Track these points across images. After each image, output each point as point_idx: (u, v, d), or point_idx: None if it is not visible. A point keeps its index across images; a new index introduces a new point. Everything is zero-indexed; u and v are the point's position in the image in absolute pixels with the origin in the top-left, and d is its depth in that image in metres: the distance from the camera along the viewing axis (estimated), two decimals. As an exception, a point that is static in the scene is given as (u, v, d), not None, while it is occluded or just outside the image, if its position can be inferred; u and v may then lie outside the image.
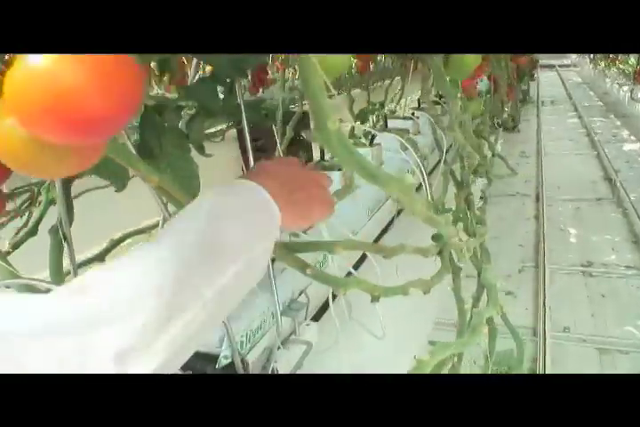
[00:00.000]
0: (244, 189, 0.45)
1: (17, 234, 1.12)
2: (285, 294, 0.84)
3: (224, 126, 2.84)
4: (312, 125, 0.43)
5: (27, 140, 0.28)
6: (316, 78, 0.39)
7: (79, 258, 1.12)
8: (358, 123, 2.02)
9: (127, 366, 0.31)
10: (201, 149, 0.75)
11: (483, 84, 2.60)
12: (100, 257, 1.10)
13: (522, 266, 2.82)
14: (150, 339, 0.33)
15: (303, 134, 2.63)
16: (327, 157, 1.64)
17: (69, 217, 0.71)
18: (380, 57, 3.78)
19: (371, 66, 3.68)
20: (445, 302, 1.33)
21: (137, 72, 0.27)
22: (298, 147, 2.14)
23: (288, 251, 0.62)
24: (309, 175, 0.52)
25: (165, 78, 0.66)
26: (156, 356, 0.33)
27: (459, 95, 1.16)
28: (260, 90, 3.04)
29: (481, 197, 1.96)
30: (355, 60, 2.81)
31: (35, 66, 0.25)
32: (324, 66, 0.60)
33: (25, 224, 1.15)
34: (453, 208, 1.30)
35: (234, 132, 3.14)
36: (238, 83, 0.71)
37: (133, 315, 0.33)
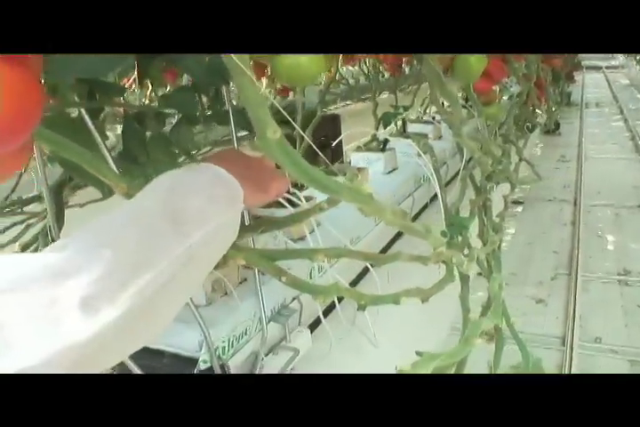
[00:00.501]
0: (202, 167, 0.48)
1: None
2: (276, 300, 0.84)
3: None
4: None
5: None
6: (251, 87, 0.39)
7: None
8: (381, 128, 2.00)
9: (94, 313, 0.33)
10: (189, 156, 0.76)
11: (515, 87, 2.54)
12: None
13: (555, 273, 2.74)
14: (116, 288, 0.35)
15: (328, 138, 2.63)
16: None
17: (59, 222, 0.73)
18: (413, 60, 3.74)
19: (406, 69, 3.66)
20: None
21: (32, 82, 0.27)
22: (323, 151, 2.14)
23: (262, 258, 0.62)
24: (256, 157, 0.55)
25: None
26: (122, 305, 0.35)
27: (461, 99, 1.13)
28: (291, 93, 3.05)
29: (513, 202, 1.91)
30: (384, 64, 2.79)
31: None
32: (295, 72, 0.60)
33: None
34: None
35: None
36: (226, 89, 0.72)
37: (98, 266, 0.35)
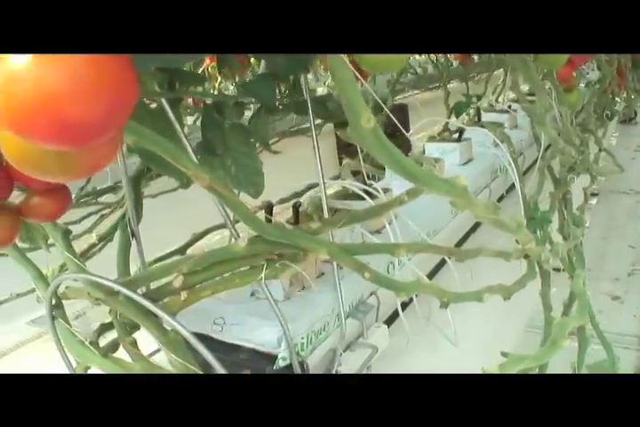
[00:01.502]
0: None
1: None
2: (354, 295, 0.81)
3: (319, 121, 2.86)
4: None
5: (29, 146, 0.28)
6: (345, 73, 0.37)
7: (161, 253, 1.16)
8: (453, 117, 1.94)
9: None
10: (266, 146, 0.74)
11: (594, 73, 2.41)
12: (182, 251, 1.13)
13: (632, 269, 2.59)
14: None
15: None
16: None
17: (138, 213, 0.73)
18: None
19: (475, 57, 3.54)
20: (539, 304, 1.25)
21: (129, 73, 0.26)
22: (392, 140, 2.09)
23: (344, 252, 0.60)
24: None
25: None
26: None
27: (551, 87, 1.07)
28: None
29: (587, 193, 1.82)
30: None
31: (16, 69, 0.24)
32: (373, 59, 0.57)
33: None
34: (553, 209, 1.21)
35: (331, 125, 3.16)
36: (304, 78, 0.70)
37: None
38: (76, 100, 0.24)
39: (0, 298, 1.64)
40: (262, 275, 0.62)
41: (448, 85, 2.25)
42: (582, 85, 2.13)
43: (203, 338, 0.79)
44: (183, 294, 0.63)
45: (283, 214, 0.94)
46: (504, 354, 0.72)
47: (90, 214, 1.68)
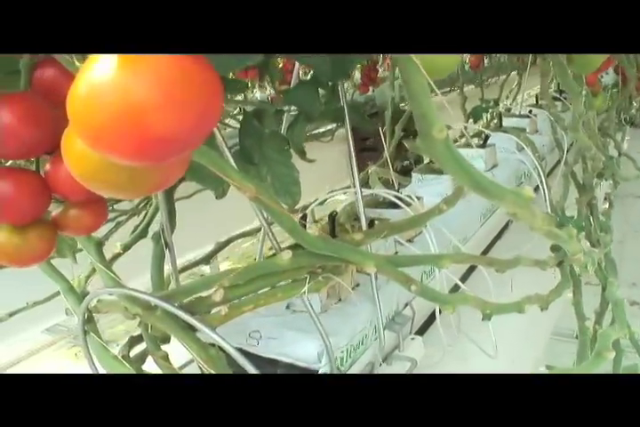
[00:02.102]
0: None
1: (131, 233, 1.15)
2: (390, 307, 0.79)
3: (333, 126, 2.84)
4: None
5: (98, 161, 0.26)
6: (418, 78, 0.35)
7: (185, 261, 1.15)
8: (471, 122, 1.92)
9: None
10: (302, 154, 0.73)
11: (608, 77, 2.39)
12: (206, 260, 1.11)
13: (650, 274, 2.57)
14: None
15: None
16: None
17: (171, 224, 0.71)
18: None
19: (485, 61, 3.52)
20: (565, 308, 1.23)
21: (215, 79, 0.24)
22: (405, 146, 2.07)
23: (391, 264, 0.58)
24: None
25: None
26: None
27: (583, 91, 1.05)
28: (370, 88, 3.00)
29: (605, 199, 1.79)
30: (467, 56, 2.69)
31: (98, 79, 0.22)
32: (429, 64, 0.55)
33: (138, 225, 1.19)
34: (575, 215, 1.19)
35: (344, 131, 3.13)
36: (341, 85, 0.68)
37: None
38: (164, 111, 0.22)
39: (15, 307, 1.62)
40: (305, 288, 0.60)
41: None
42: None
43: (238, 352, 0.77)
44: (224, 309, 0.61)
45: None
46: (549, 367, 0.70)
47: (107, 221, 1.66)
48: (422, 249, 0.86)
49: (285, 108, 0.65)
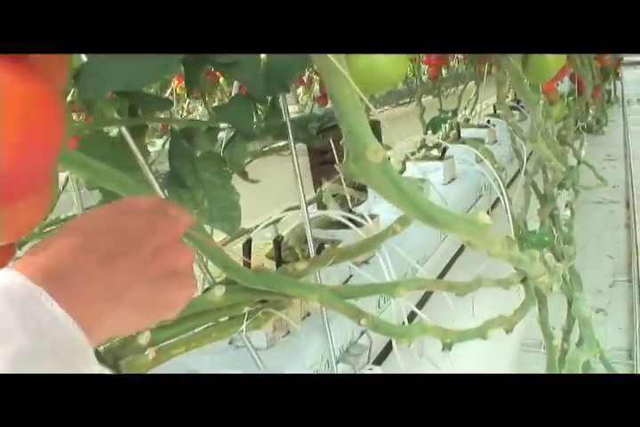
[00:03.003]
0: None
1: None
2: (344, 337, 0.73)
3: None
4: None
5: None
6: (345, 92, 0.29)
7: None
8: (429, 133, 1.89)
9: None
10: (243, 175, 0.66)
11: (563, 85, 2.40)
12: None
13: (613, 280, 2.57)
14: None
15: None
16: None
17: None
18: (452, 62, 3.62)
19: (443, 71, 3.53)
20: (532, 317, 1.18)
21: (54, 110, 0.18)
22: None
23: (337, 297, 0.52)
24: (154, 226, 0.32)
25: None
26: None
27: (540, 100, 1.02)
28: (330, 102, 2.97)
29: (566, 206, 1.78)
30: (425, 67, 2.68)
31: None
32: (373, 76, 0.50)
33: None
34: (537, 229, 1.15)
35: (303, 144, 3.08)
36: (283, 99, 0.62)
37: None
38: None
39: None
40: (243, 327, 0.53)
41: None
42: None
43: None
44: (151, 353, 0.54)
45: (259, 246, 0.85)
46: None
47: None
48: (379, 271, 0.80)
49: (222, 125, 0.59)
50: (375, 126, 2.61)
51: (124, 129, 0.52)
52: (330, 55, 0.27)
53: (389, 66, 0.50)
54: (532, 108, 0.84)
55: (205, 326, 0.54)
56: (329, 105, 2.99)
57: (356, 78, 0.51)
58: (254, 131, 0.57)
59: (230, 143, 0.61)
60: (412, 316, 0.94)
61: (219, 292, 0.50)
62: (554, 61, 0.90)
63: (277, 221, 0.91)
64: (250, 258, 0.71)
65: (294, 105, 3.27)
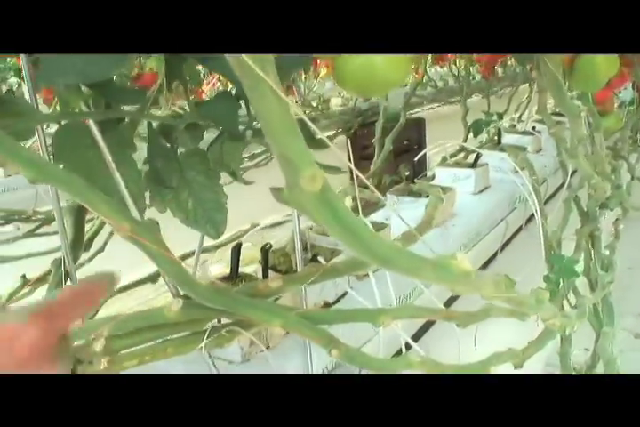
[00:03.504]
0: None
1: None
2: (326, 359, 0.67)
3: (331, 133, 2.73)
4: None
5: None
6: (276, 109, 0.24)
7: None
8: (471, 136, 1.80)
9: None
10: (234, 175, 0.61)
11: (626, 93, 2.24)
12: (153, 278, 1.00)
13: (660, 304, 2.41)
14: None
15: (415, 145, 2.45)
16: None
17: (75, 251, 0.61)
18: (510, 61, 3.45)
19: (499, 70, 3.38)
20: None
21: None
22: (405, 158, 1.96)
23: (306, 323, 0.46)
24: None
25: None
26: None
27: (585, 110, 0.93)
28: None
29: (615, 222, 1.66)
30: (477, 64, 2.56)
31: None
32: (367, 77, 0.44)
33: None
34: (570, 254, 1.06)
35: (344, 138, 3.01)
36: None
37: None
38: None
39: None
40: (203, 344, 0.48)
41: (469, 100, 2.10)
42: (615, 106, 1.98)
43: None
44: (103, 363, 0.50)
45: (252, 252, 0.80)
46: None
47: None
48: (382, 286, 0.74)
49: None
50: (419, 124, 2.53)
51: (91, 123, 0.48)
52: (247, 57, 0.21)
53: (388, 67, 0.43)
54: (573, 120, 0.75)
55: (162, 340, 0.50)
56: (373, 99, 2.91)
57: (348, 79, 0.45)
58: (239, 131, 0.51)
59: (216, 143, 0.56)
60: (416, 337, 0.87)
61: (175, 306, 0.45)
62: (604, 66, 0.80)
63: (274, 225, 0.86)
64: (238, 264, 0.66)
65: (337, 97, 3.19)
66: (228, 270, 0.69)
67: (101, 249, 1.34)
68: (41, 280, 0.79)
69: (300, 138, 0.25)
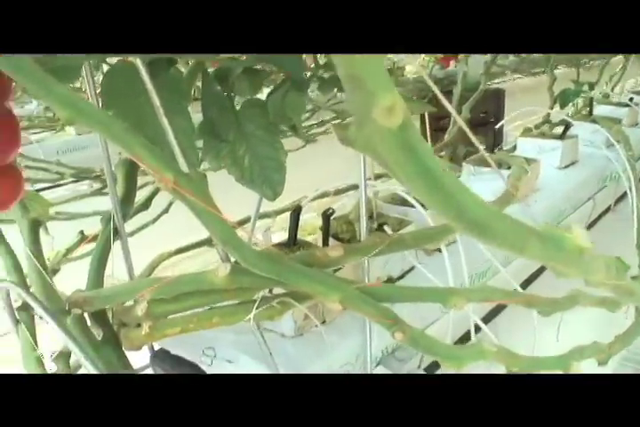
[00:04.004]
0: None
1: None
2: (387, 340, 0.62)
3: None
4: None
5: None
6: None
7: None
8: (557, 108, 1.66)
9: None
10: (294, 130, 0.55)
11: None
12: (210, 241, 0.97)
13: None
14: None
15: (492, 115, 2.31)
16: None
17: (126, 206, 0.57)
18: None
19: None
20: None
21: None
22: (482, 131, 1.85)
23: (367, 300, 0.40)
24: None
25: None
26: None
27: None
28: (452, 63, 2.73)
29: None
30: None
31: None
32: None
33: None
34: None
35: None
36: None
37: None
38: None
39: None
40: (251, 315, 0.43)
41: (555, 71, 1.93)
42: None
43: (192, 368, 0.63)
44: (145, 328, 0.46)
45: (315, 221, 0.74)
46: None
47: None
48: (453, 263, 0.67)
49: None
50: (498, 95, 2.37)
51: (139, 62, 0.43)
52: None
53: None
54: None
55: (208, 308, 0.45)
56: (451, 66, 2.75)
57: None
58: (305, 79, 0.45)
59: (276, 92, 0.50)
60: (485, 320, 0.80)
61: (222, 271, 0.40)
62: None
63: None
64: (296, 230, 0.61)
65: (411, 65, 3.04)
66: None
67: (166, 210, 1.33)
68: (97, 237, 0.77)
69: (378, 57, 0.18)
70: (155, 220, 1.31)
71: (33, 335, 0.58)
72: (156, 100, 0.43)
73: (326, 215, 0.57)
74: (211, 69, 0.52)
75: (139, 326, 0.49)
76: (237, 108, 0.55)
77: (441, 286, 0.59)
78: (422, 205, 0.68)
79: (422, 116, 2.74)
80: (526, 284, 0.95)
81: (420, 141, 0.20)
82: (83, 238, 0.85)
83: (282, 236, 0.72)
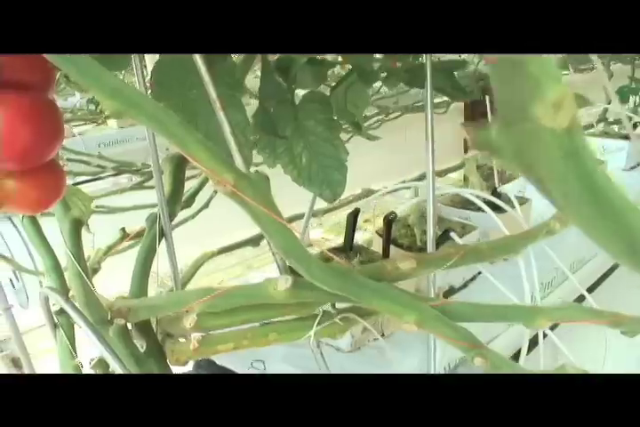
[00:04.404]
0: None
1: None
2: (454, 351, 0.57)
3: (447, 98, 2.52)
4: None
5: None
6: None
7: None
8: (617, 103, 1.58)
9: None
10: (357, 127, 0.51)
11: None
12: (255, 241, 0.93)
13: None
14: None
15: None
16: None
17: (174, 206, 0.54)
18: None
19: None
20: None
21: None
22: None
23: (444, 320, 0.35)
24: None
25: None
26: None
27: None
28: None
29: None
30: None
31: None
32: None
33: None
34: None
35: (460, 104, 2.80)
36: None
37: None
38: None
39: None
40: (312, 332, 0.39)
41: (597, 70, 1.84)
42: None
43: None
44: (194, 343, 0.43)
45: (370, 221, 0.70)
46: None
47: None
48: (518, 273, 0.62)
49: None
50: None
51: (197, 57, 0.39)
52: None
53: None
54: None
55: (263, 323, 0.41)
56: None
57: None
58: (374, 71, 0.41)
59: (344, 84, 0.45)
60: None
61: (282, 285, 0.36)
62: None
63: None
64: (353, 235, 0.56)
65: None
66: (328, 236, 0.60)
67: (205, 205, 1.30)
68: (140, 235, 0.74)
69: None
70: (194, 214, 1.29)
71: (72, 341, 0.55)
72: (213, 93, 0.39)
73: (388, 220, 0.53)
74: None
75: (185, 337, 0.46)
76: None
77: (512, 298, 0.54)
78: (495, 208, 0.62)
79: (465, 110, 2.64)
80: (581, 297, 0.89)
81: (588, 150, 0.15)
82: (124, 236, 0.82)
83: (318, 233, 0.67)
